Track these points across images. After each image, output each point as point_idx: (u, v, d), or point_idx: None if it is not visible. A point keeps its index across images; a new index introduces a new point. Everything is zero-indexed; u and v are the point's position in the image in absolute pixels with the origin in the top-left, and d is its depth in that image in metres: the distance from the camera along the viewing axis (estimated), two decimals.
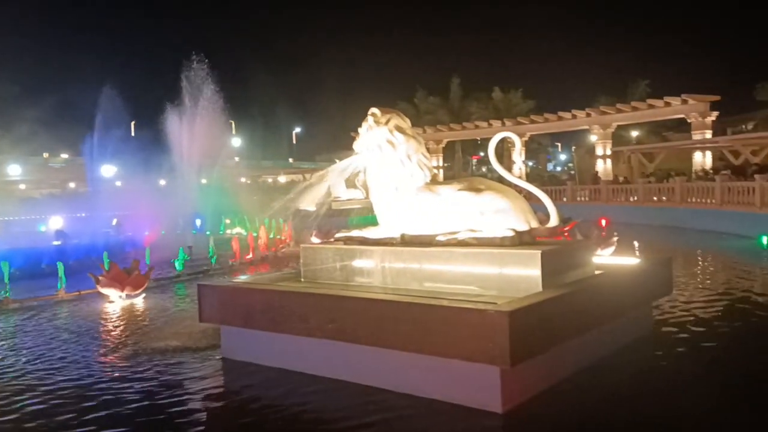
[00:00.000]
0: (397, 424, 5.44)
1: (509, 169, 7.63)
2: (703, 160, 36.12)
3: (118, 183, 44.10)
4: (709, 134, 36.14)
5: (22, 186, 53.96)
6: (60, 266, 12.38)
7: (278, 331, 6.82)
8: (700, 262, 15.62)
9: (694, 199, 25.68)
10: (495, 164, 7.74)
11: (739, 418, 5.38)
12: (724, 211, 22.70)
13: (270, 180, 75.90)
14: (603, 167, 41.21)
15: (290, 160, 76.16)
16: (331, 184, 7.95)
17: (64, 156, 62.31)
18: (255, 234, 19.25)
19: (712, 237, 20.50)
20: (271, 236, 19.89)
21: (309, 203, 8.34)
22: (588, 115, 41.65)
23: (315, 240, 14.65)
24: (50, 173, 61.15)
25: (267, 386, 6.49)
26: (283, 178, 72.44)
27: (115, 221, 23.85)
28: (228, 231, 26.13)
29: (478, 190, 6.88)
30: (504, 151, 41.06)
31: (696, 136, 36.40)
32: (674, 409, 5.60)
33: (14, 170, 56.52)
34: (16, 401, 6.28)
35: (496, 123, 45.66)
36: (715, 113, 36.51)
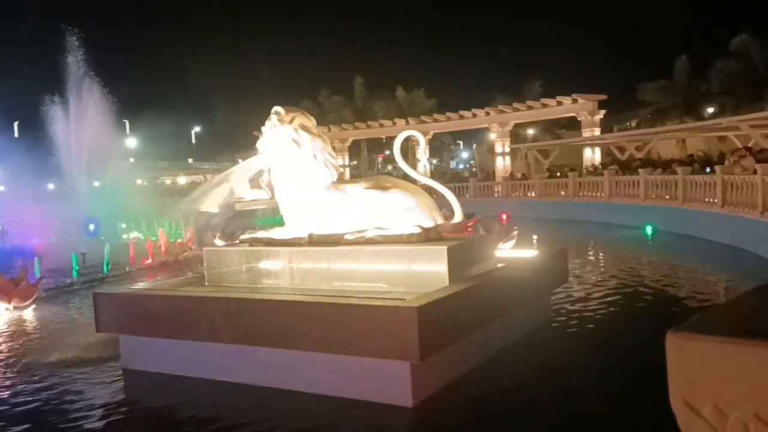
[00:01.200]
0: (308, 425, 5.39)
1: (414, 167, 7.76)
2: (592, 156, 38.38)
3: (1, 187, 40.88)
4: (597, 131, 38.44)
5: None
6: None
7: (182, 337, 6.58)
8: (592, 252, 16.61)
9: (585, 193, 27.25)
10: (401, 162, 7.85)
11: (630, 394, 5.75)
12: (612, 203, 24.28)
13: (168, 181, 73.01)
14: (502, 164, 42.81)
15: (190, 160, 73.60)
16: (234, 184, 7.75)
17: None
18: (154, 238, 18.47)
19: (602, 228, 21.84)
20: (172, 240, 19.15)
21: (211, 205, 8.10)
22: (487, 113, 43.13)
23: (219, 242, 14.25)
24: None
25: (171, 396, 6.24)
26: (182, 179, 69.89)
27: None
28: (125, 235, 24.87)
29: (384, 188, 6.94)
30: (408, 150, 41.73)
31: (585, 133, 38.61)
32: (573, 390, 5.91)
33: None
34: None
35: (401, 122, 46.32)
36: (603, 111, 38.90)
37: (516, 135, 46.31)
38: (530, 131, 51.06)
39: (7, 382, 6.94)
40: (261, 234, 7.56)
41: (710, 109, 43.49)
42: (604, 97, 38.87)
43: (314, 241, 7.14)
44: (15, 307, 10.91)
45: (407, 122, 45.53)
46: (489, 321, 6.48)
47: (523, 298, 7.36)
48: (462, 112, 44.48)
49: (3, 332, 9.60)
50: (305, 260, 7.03)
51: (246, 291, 6.92)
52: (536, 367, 6.57)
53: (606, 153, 38.62)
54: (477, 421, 5.37)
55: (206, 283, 7.62)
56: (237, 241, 8.17)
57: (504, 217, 20.17)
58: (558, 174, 33.61)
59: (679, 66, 44.92)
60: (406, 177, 7.92)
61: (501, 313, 6.74)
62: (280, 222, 7.68)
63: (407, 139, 7.78)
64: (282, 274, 7.15)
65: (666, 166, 25.47)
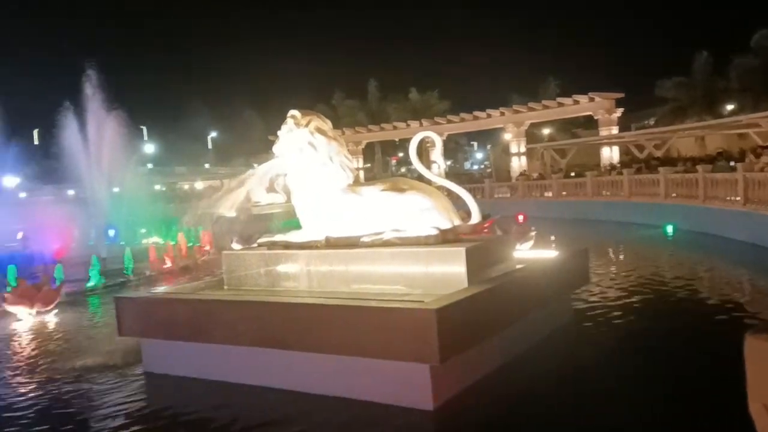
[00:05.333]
0: (329, 428, 5.39)
1: (428, 168, 7.74)
2: (610, 154, 38.04)
3: (23, 194, 41.50)
4: (615, 130, 38.12)
5: None
6: None
7: (203, 341, 6.61)
8: (612, 252, 16.45)
9: (604, 193, 26.99)
10: (417, 164, 7.83)
11: (655, 399, 5.68)
12: (632, 202, 24.02)
13: (186, 186, 73.58)
14: (518, 164, 42.59)
15: (207, 165, 74.14)
16: (250, 188, 7.79)
17: None
18: (173, 242, 18.63)
19: (622, 227, 21.62)
20: (190, 244, 19.29)
21: (228, 209, 8.14)
22: (502, 114, 42.97)
23: (236, 246, 14.31)
24: None
25: (193, 399, 6.27)
26: (200, 184, 70.41)
27: (20, 235, 22.40)
28: (144, 240, 25.11)
29: (401, 190, 6.93)
30: (423, 151, 41.69)
31: (603, 132, 38.31)
32: (595, 393, 5.84)
33: None
34: None
35: (414, 123, 46.30)
36: (621, 110, 38.57)
37: (532, 135, 46.06)
38: (546, 131, 50.77)
39: (31, 386, 7.02)
40: (278, 237, 7.59)
41: (729, 106, 42.90)
42: (621, 95, 38.56)
43: (331, 243, 7.15)
44: (38, 312, 11.06)
45: (421, 124, 45.50)
46: (509, 323, 6.43)
47: (544, 299, 7.30)
48: (476, 113, 44.37)
49: (26, 337, 9.73)
50: (323, 263, 7.04)
51: (265, 294, 6.94)
52: (558, 369, 6.52)
53: (624, 152, 38.28)
54: (498, 424, 5.33)
55: (225, 287, 7.66)
56: (255, 245, 8.21)
57: (521, 217, 20.03)
58: (572, 173, 33.32)
59: (699, 62, 44.33)
60: (420, 179, 7.89)
61: (521, 315, 6.69)
62: (296, 225, 7.70)
63: (421, 141, 7.75)
64: (300, 277, 7.16)
65: (697, 162, 24.76)
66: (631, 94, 40.10)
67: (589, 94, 38.35)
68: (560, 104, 40.48)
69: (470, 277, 6.21)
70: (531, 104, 42.07)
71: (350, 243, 6.99)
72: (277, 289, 7.20)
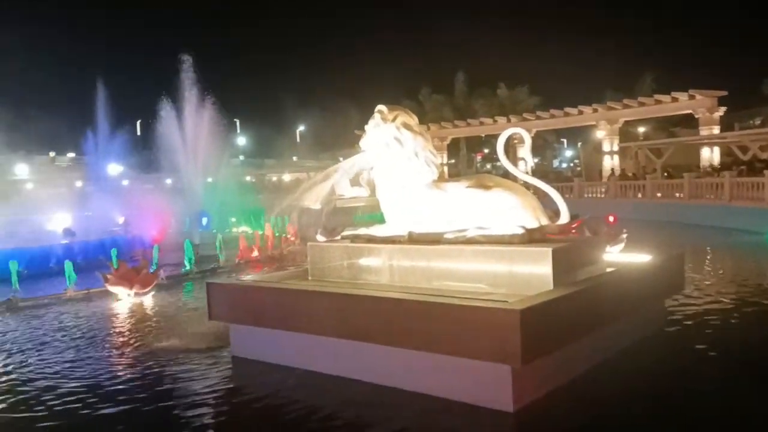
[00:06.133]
0: (407, 422, 5.40)
1: (515, 166, 7.58)
2: (710, 155, 35.88)
3: (125, 182, 44.17)
4: (716, 130, 35.88)
5: (29, 185, 54.13)
6: (68, 265, 12.40)
7: (287, 329, 6.80)
8: (709, 258, 15.51)
9: (703, 195, 25.52)
10: (504, 161, 7.67)
11: (752, 414, 5.32)
12: (732, 206, 22.56)
13: (274, 178, 75.87)
14: (610, 163, 40.99)
15: (294, 158, 76.14)
16: (335, 182, 7.91)
17: (71, 155, 62.57)
18: (261, 232, 19.25)
19: (721, 233, 20.36)
20: (277, 234, 19.88)
21: (313, 201, 8.31)
22: (595, 110, 41.43)
23: (320, 238, 14.61)
24: (57, 172, 61.32)
25: (276, 384, 6.46)
26: (287, 177, 72.42)
27: (122, 220, 23.87)
28: (234, 229, 26.13)
29: (486, 187, 6.82)
30: (510, 148, 40.94)
31: (703, 131, 36.15)
32: (686, 405, 5.54)
33: (21, 169, 56.77)
34: (29, 400, 6.28)
35: (502, 119, 45.48)
36: (723, 108, 36.25)
37: (625, 133, 44.17)
38: (641, 129, 48.55)
39: (127, 364, 7.47)
40: (362, 231, 7.67)
41: None
42: (724, 92, 36.19)
43: (414, 239, 7.15)
44: (136, 294, 11.74)
45: (509, 120, 44.63)
46: (596, 327, 6.20)
47: (634, 304, 6.99)
48: (567, 109, 43.01)
49: (125, 317, 10.36)
50: (405, 258, 7.06)
51: (347, 286, 7.04)
52: (646, 377, 6.24)
53: (726, 153, 35.97)
54: (580, 431, 5.16)
55: (310, 278, 7.84)
56: (338, 238, 8.34)
57: (611, 218, 19.26)
58: (665, 174, 31.67)
59: None
60: (506, 176, 7.74)
61: (609, 320, 6.43)
62: (379, 219, 7.75)
63: (509, 138, 7.59)
64: (382, 271, 7.22)
65: None
66: (736, 92, 37.63)
67: (690, 91, 36.25)
68: (657, 101, 38.50)
69: (556, 278, 6.03)
70: (626, 101, 40.29)
71: (433, 239, 6.96)
72: (359, 282, 7.29)
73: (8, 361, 7.81)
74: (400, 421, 5.43)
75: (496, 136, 7.68)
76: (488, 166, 65.97)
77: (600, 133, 42.98)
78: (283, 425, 5.55)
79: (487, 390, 5.42)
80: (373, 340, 6.04)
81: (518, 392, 5.34)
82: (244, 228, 25.15)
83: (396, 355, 5.92)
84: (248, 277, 8.73)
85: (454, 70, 59.61)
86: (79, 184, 52.53)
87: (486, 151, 62.69)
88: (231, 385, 6.61)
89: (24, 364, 7.62)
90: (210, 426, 5.58)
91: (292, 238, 20.03)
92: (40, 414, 5.90)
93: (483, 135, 52.25)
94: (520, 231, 6.49)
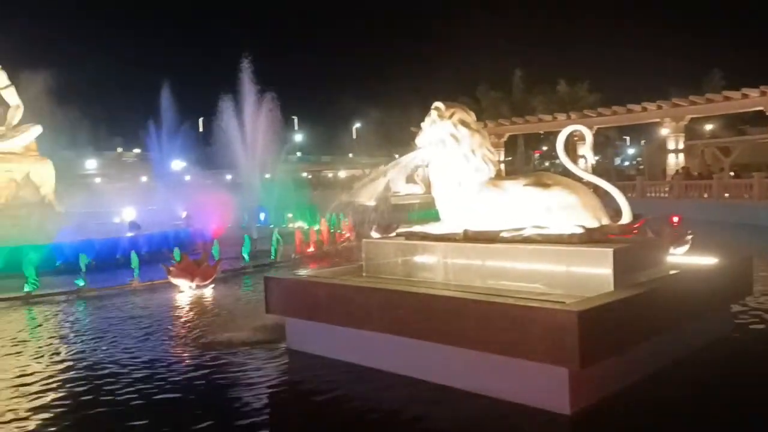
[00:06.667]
0: (461, 423, 5.37)
1: (575, 164, 7.43)
2: None
3: (187, 177, 45.57)
4: None
5: (98, 179, 56.59)
6: (134, 256, 12.90)
7: (341, 324, 6.86)
8: None
9: None
10: (564, 158, 7.50)
11: None
12: None
13: (330, 175, 76.75)
14: (675, 162, 39.56)
15: (350, 155, 76.79)
16: (390, 179, 7.93)
17: (137, 151, 65.01)
18: (316, 228, 19.50)
19: None
20: (332, 230, 20.08)
21: (368, 198, 8.35)
22: (659, 107, 40.05)
23: (375, 235, 14.68)
24: (124, 167, 63.88)
25: (330, 379, 6.53)
26: (342, 173, 73.12)
27: (184, 214, 24.62)
28: (291, 225, 26.56)
29: (545, 185, 6.69)
30: (569, 145, 40.07)
31: None
32: (751, 415, 5.30)
33: (91, 164, 59.42)
34: (94, 387, 6.56)
35: (561, 116, 44.55)
36: None
37: (691, 130, 42.54)
38: (708, 126, 46.65)
39: (186, 355, 7.70)
40: (417, 228, 7.66)
41: None
42: None
43: (469, 237, 7.09)
44: (197, 286, 12.09)
45: (569, 116, 43.65)
46: (658, 331, 6.00)
47: (699, 308, 6.73)
48: (630, 106, 41.73)
49: (186, 308, 10.68)
50: (460, 256, 7.01)
51: (401, 283, 7.04)
52: (710, 383, 6.01)
53: None
54: None
55: (364, 274, 7.88)
56: (393, 234, 8.36)
57: (675, 219, 18.59)
58: (731, 173, 30.30)
59: None
60: (566, 174, 7.57)
61: (672, 324, 6.21)
62: (433, 216, 7.73)
63: (569, 135, 7.43)
64: (436, 268, 7.19)
65: None
66: None
67: (761, 87, 34.53)
68: (726, 98, 36.88)
69: (617, 280, 5.86)
70: (692, 97, 38.75)
71: (489, 237, 6.88)
72: (413, 279, 7.28)
73: (78, 348, 8.18)
74: (452, 420, 5.40)
75: (554, 134, 7.55)
76: (546, 163, 64.87)
77: (664, 131, 41.55)
78: (342, 420, 5.58)
79: (544, 392, 5.32)
80: (426, 337, 6.03)
81: (575, 395, 5.22)
82: (300, 224, 25.52)
83: (451, 354, 5.89)
84: (304, 272, 8.86)
85: (512, 67, 58.83)
86: (144, 179, 54.58)
87: (544, 148, 61.63)
88: (284, 377, 6.72)
89: (92, 351, 7.96)
90: (268, 417, 5.68)
91: (347, 235, 20.21)
92: (100, 400, 6.16)
93: (541, 132, 51.37)
94: (580, 230, 6.34)
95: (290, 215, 28.49)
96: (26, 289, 11.74)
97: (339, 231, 20.40)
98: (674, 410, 5.46)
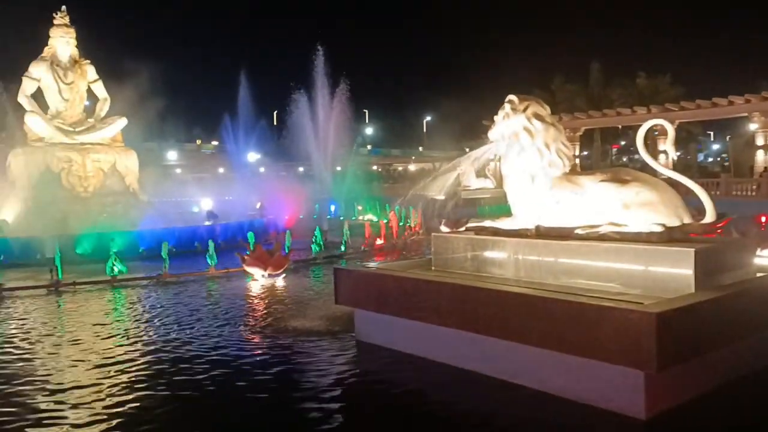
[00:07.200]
0: (530, 421, 5.29)
1: (656, 159, 7.15)
2: None
3: (262, 169, 46.81)
4: None
5: (178, 170, 59.00)
6: (211, 245, 13.39)
7: (409, 317, 6.88)
8: None
9: None
10: (643, 154, 7.23)
11: None
12: None
13: (400, 168, 76.90)
14: (763, 158, 37.33)
15: (420, 148, 76.67)
16: (461, 172, 7.86)
17: (215, 143, 67.30)
18: (386, 221, 19.61)
19: None
20: (402, 223, 20.15)
21: (438, 192, 8.32)
22: (747, 101, 37.81)
23: (444, 229, 14.63)
24: (202, 159, 66.29)
25: (399, 372, 6.57)
26: (412, 167, 73.13)
27: (258, 205, 25.32)
28: (360, 217, 26.84)
29: (623, 182, 6.46)
30: (649, 140, 38.49)
31: None
32: None
33: (172, 156, 62.02)
34: (174, 367, 6.88)
35: (641, 110, 42.74)
36: None
37: None
38: None
39: (260, 342, 7.94)
40: (487, 223, 7.57)
41: None
42: None
43: (542, 233, 6.95)
44: (269, 275, 12.43)
45: (649, 110, 41.83)
46: (742, 336, 5.70)
47: None
48: (716, 100, 39.62)
49: (259, 296, 11.01)
50: (532, 252, 6.88)
51: (470, 278, 6.99)
52: None
53: None
54: None
55: (433, 267, 7.87)
56: (462, 229, 8.30)
57: (763, 219, 17.56)
58: None
59: None
60: (645, 169, 7.28)
61: (756, 330, 5.89)
62: (504, 211, 7.62)
63: (649, 129, 7.14)
64: (507, 264, 7.09)
65: None
66: None
67: None
68: None
69: (698, 281, 5.60)
70: None
71: (563, 234, 6.72)
72: (482, 275, 7.21)
73: (160, 330, 8.59)
74: (520, 418, 5.33)
75: (633, 128, 7.32)
76: (624, 159, 62.62)
77: (753, 126, 39.23)
78: (411, 415, 5.59)
79: (619, 395, 5.17)
80: (496, 334, 5.97)
81: (651, 399, 5.04)
82: (370, 216, 25.75)
83: (521, 352, 5.81)
84: (373, 265, 8.94)
85: (589, 59, 57.00)
86: (221, 170, 56.48)
87: (622, 143, 59.51)
88: (352, 368, 6.82)
89: (173, 333, 8.34)
90: (338, 407, 5.77)
91: (416, 228, 20.24)
92: (176, 380, 6.44)
93: (620, 126, 49.55)
94: (659, 229, 6.09)
95: (360, 208, 28.79)
96: (112, 273, 12.43)
97: (408, 224, 20.46)
98: (755, 422, 5.18)
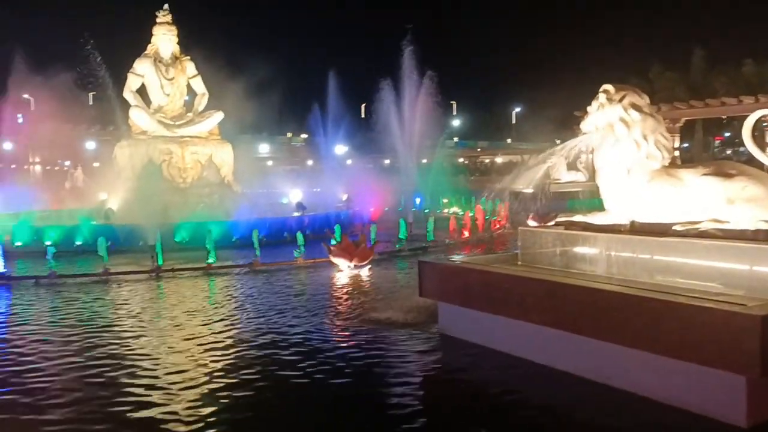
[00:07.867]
0: (617, 424, 5.09)
1: (764, 152, 6.65)
2: None
3: (349, 161, 47.55)
4: None
5: (269, 162, 60.96)
6: (299, 236, 13.79)
7: (495, 312, 6.80)
8: None
9: None
10: (750, 146, 6.75)
11: None
12: None
13: (487, 160, 75.89)
14: None
15: (508, 140, 75.26)
16: (551, 165, 7.64)
17: (304, 136, 69.01)
18: (472, 214, 19.44)
19: None
20: (488, 217, 19.90)
21: (527, 185, 8.13)
22: None
23: (532, 223, 14.32)
24: (292, 151, 68.17)
25: (483, 368, 6.51)
26: (500, 159, 71.97)
27: (345, 197, 25.77)
28: (445, 210, 26.73)
29: (727, 175, 6.07)
30: (757, 132, 35.93)
31: None
32: None
33: (263, 148, 64.18)
34: (262, 354, 7.15)
35: (748, 99, 39.91)
36: None
37: None
38: None
39: (346, 332, 8.08)
40: (578, 218, 7.34)
41: None
42: None
43: (636, 229, 6.66)
44: (355, 266, 12.64)
45: (757, 100, 38.97)
46: None
47: None
48: None
49: (344, 287, 11.22)
50: (625, 249, 6.60)
51: (559, 274, 6.80)
52: None
53: None
54: None
55: (519, 262, 7.72)
56: (551, 223, 8.08)
57: None
58: None
59: None
60: (751, 163, 6.80)
61: None
62: (595, 206, 7.36)
63: (758, 120, 6.67)
64: (598, 261, 6.84)
65: None
66: None
67: None
68: None
69: None
70: None
71: (659, 230, 6.41)
72: (571, 271, 6.99)
73: (251, 316, 8.96)
74: (610, 420, 5.15)
75: (739, 119, 6.84)
76: (728, 151, 58.85)
77: None
78: (496, 413, 5.53)
79: (717, 401, 4.88)
80: (584, 332, 5.78)
81: (754, 406, 4.73)
82: (455, 209, 25.60)
83: (609, 351, 5.60)
84: (458, 258, 8.88)
85: (690, 45, 53.82)
86: (310, 162, 57.87)
87: (726, 134, 55.95)
88: (436, 362, 6.81)
89: (264, 320, 8.66)
90: (420, 399, 5.81)
91: (503, 222, 19.93)
92: (259, 366, 6.67)
93: (724, 117, 46.62)
94: (766, 226, 5.69)
95: (446, 201, 28.68)
96: (208, 260, 13.05)
97: (494, 218, 20.18)
98: None
